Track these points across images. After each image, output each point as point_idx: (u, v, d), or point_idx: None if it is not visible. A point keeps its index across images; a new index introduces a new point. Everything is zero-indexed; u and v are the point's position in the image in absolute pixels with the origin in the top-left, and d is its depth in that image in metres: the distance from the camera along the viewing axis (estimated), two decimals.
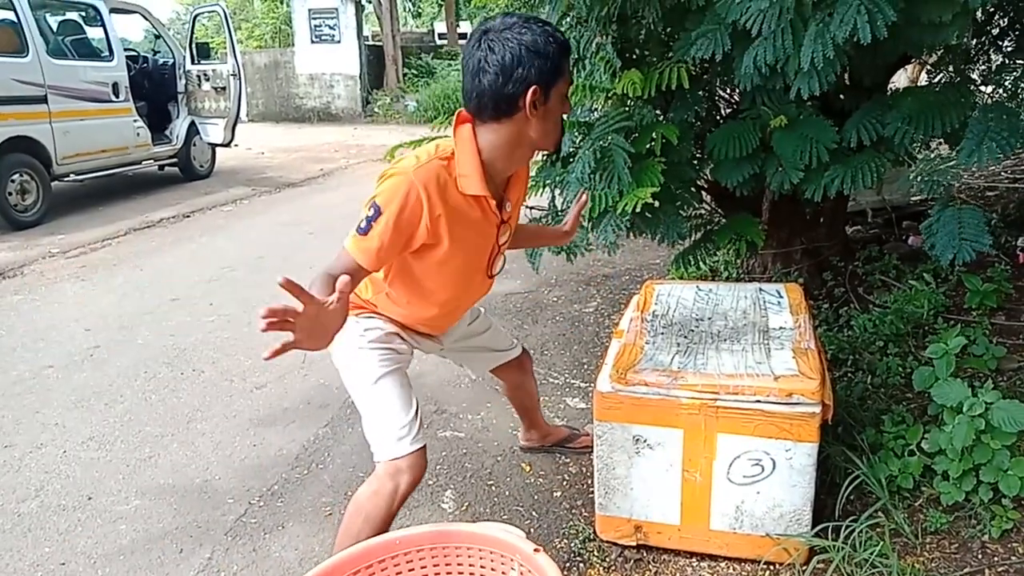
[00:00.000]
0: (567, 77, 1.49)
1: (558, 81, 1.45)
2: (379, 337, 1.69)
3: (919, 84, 4.06)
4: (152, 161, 7.58)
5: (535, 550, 1.18)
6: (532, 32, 1.40)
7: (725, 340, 1.96)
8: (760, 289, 2.33)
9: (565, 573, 1.91)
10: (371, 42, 15.77)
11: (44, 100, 6.08)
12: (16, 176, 5.88)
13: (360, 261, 1.44)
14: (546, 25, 1.44)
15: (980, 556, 1.80)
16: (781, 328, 2.02)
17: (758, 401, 1.71)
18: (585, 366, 3.14)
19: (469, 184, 1.49)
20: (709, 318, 2.13)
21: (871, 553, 1.72)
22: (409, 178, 1.43)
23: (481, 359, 2.14)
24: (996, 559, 1.78)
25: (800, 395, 1.69)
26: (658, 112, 2.74)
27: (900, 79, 4.65)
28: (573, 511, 2.17)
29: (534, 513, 2.18)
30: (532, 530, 2.09)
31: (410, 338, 1.79)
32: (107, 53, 6.99)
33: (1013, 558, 1.77)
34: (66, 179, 6.54)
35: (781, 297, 2.23)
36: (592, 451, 1.92)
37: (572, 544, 2.01)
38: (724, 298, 2.26)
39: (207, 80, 7.57)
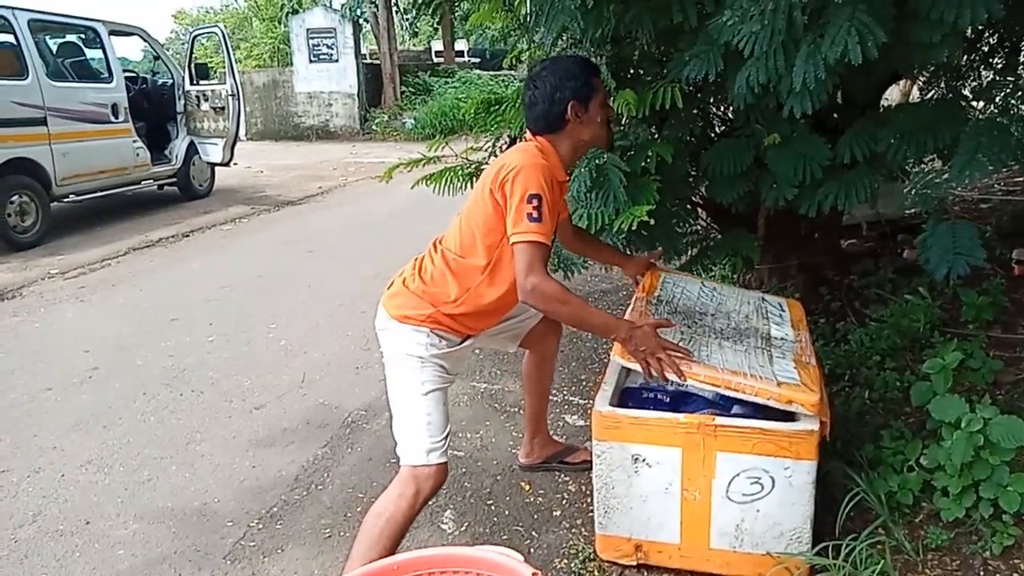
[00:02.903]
0: (600, 88, 1.89)
1: (593, 94, 1.85)
2: (441, 355, 1.84)
3: (912, 100, 4.09)
4: (151, 181, 7.62)
5: (533, 574, 1.17)
6: (563, 63, 1.88)
7: (728, 338, 1.96)
8: (763, 298, 2.34)
9: None
10: (369, 61, 15.87)
11: (44, 122, 6.11)
12: (15, 197, 5.90)
13: (548, 242, 1.71)
14: (575, 56, 1.97)
15: (982, 573, 1.79)
16: (783, 339, 2.02)
17: (759, 404, 1.70)
18: (583, 383, 3.14)
19: (558, 171, 1.85)
20: (712, 314, 2.12)
21: (872, 571, 1.71)
22: (540, 163, 1.75)
23: (510, 334, 2.20)
24: None
25: (799, 405, 1.70)
26: (653, 131, 2.76)
27: (893, 93, 4.68)
28: (573, 530, 2.16)
29: (534, 533, 2.17)
30: (532, 550, 2.09)
31: (461, 352, 1.92)
32: (106, 75, 7.04)
33: (1015, 574, 1.77)
34: (65, 200, 6.56)
35: (783, 311, 2.24)
36: (591, 468, 1.92)
37: (572, 564, 2.00)
38: (728, 299, 2.26)
39: (206, 100, 7.61)
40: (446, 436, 1.80)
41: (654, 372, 1.74)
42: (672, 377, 1.75)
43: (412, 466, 1.75)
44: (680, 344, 1.82)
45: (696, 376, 1.75)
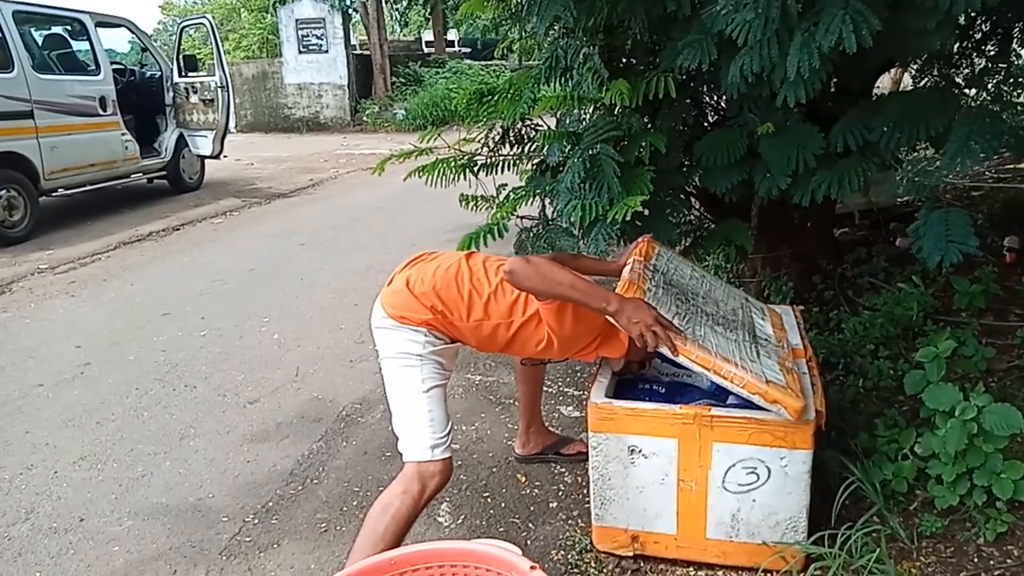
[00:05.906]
0: None
1: None
2: (437, 351, 1.83)
3: (903, 87, 4.09)
4: (141, 174, 7.54)
5: (531, 567, 1.17)
6: None
7: (719, 325, 1.94)
8: (747, 299, 2.33)
9: None
10: (359, 51, 15.75)
11: (30, 115, 6.04)
12: (3, 192, 5.83)
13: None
14: None
15: (976, 560, 1.80)
16: (767, 339, 2.01)
17: (758, 388, 1.69)
18: (578, 374, 3.14)
19: None
20: (703, 297, 2.10)
21: (868, 559, 1.72)
22: None
23: None
24: (992, 562, 1.79)
25: (784, 408, 1.67)
26: (646, 121, 2.75)
27: (883, 81, 4.67)
28: (569, 522, 2.16)
29: (530, 525, 2.17)
30: (529, 542, 2.09)
31: (454, 349, 1.92)
32: (94, 67, 6.95)
33: (1009, 561, 1.78)
34: (54, 194, 6.50)
35: (764, 316, 2.23)
36: (587, 459, 1.92)
37: (569, 556, 2.00)
38: (716, 288, 2.25)
39: (195, 92, 7.54)
40: (448, 432, 1.81)
41: (649, 343, 1.68)
42: (664, 351, 1.69)
43: (417, 463, 1.75)
44: (674, 320, 1.79)
45: (689, 354, 1.70)
